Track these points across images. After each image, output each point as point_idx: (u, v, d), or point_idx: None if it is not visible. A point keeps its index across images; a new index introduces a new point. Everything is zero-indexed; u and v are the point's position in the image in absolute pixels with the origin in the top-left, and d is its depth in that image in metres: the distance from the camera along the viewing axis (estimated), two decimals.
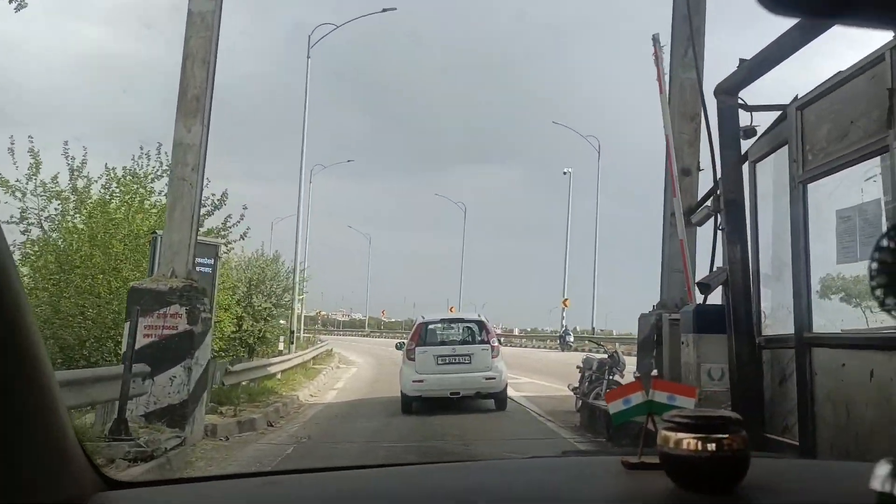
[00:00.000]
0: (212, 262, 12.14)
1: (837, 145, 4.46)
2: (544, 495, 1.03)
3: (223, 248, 16.97)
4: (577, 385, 11.78)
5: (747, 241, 5.69)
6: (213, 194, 16.03)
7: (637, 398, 1.19)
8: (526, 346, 48.23)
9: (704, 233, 8.40)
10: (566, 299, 45.81)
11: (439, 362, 12.08)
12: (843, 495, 1.00)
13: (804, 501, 1.00)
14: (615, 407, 1.23)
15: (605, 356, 11.32)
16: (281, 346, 21.40)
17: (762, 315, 5.73)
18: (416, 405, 12.03)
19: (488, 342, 12.62)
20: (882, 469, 0.58)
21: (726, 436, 0.92)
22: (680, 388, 1.23)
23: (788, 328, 5.16)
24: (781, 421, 5.25)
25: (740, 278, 5.61)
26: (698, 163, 9.22)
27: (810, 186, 4.82)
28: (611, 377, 10.79)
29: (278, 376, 16.72)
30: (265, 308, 26.27)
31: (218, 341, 17.31)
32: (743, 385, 5.53)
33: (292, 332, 24.83)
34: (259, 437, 9.98)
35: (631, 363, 10.74)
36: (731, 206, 5.69)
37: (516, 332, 66.77)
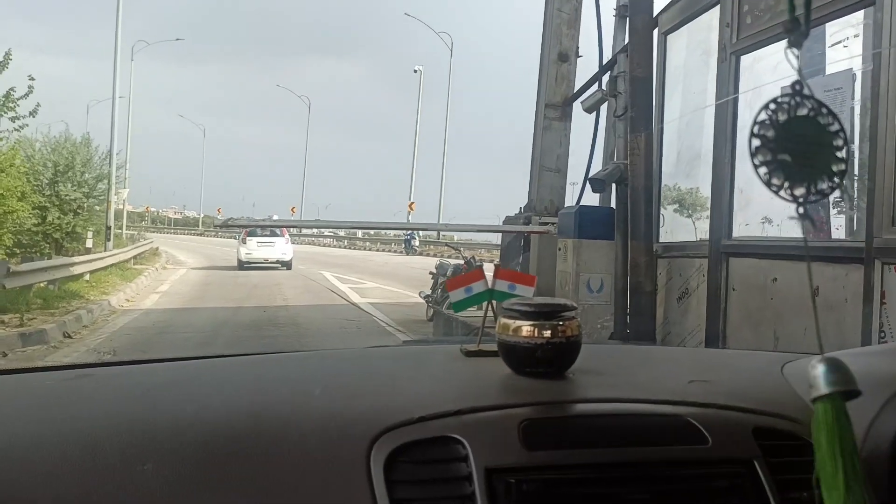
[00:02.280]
0: None
1: None
2: (382, 381, 1.03)
3: (10, 125, 13.97)
4: (429, 292, 10.92)
5: (653, 128, 4.75)
6: None
7: (478, 286, 1.21)
8: (370, 250, 47.52)
9: (582, 124, 7.51)
10: (412, 202, 45.13)
11: (258, 245, 23.49)
12: (662, 376, 1.08)
13: (624, 381, 1.03)
14: (456, 295, 1.22)
15: (462, 262, 10.45)
16: (90, 243, 18.62)
17: (661, 219, 4.91)
18: (245, 268, 22.61)
19: (283, 236, 24.35)
20: (815, 370, 0.52)
21: (560, 322, 0.94)
22: (520, 276, 1.22)
23: (691, 235, 4.38)
24: (678, 342, 4.54)
25: (642, 174, 4.69)
26: (577, 47, 8.20)
27: (746, 59, 3.88)
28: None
29: (87, 277, 14.38)
30: (75, 199, 23.09)
31: (10, 235, 14.66)
32: (636, 299, 4.73)
33: (108, 228, 21.89)
34: (49, 352, 8.23)
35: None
36: (638, 85, 4.70)
37: (360, 234, 66.04)
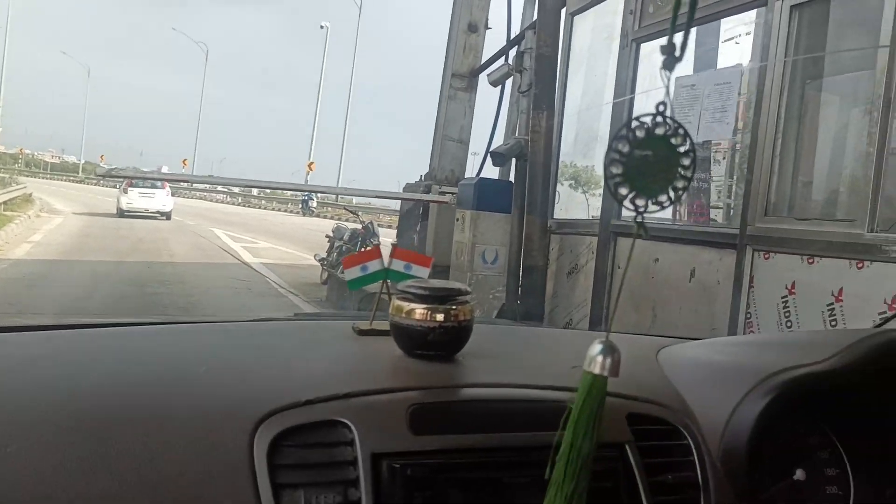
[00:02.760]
0: None
1: None
2: (271, 360, 0.99)
3: None
4: (324, 255, 10.77)
5: (555, 106, 4.85)
6: None
7: (374, 265, 1.19)
8: (266, 209, 46.20)
9: (488, 96, 7.56)
10: (312, 162, 44.16)
11: (139, 195, 24.38)
12: (548, 361, 1.11)
13: (512, 365, 1.05)
14: (351, 273, 1.20)
15: (360, 227, 10.36)
16: None
17: (556, 196, 5.05)
18: (125, 216, 23.39)
19: (164, 189, 25.29)
20: (593, 348, 0.58)
21: (454, 307, 0.95)
22: (417, 256, 1.22)
23: (583, 212, 4.54)
24: (565, 316, 4.71)
25: (542, 151, 4.80)
26: (487, 19, 8.22)
27: (646, 46, 4.02)
28: (363, 250, 9.90)
29: None
30: None
31: None
32: (528, 272, 4.86)
33: None
34: None
35: (389, 236, 9.96)
36: (543, 63, 4.77)
37: (255, 192, 64.01)
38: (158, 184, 24.49)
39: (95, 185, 65.34)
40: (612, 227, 4.15)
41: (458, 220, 6.28)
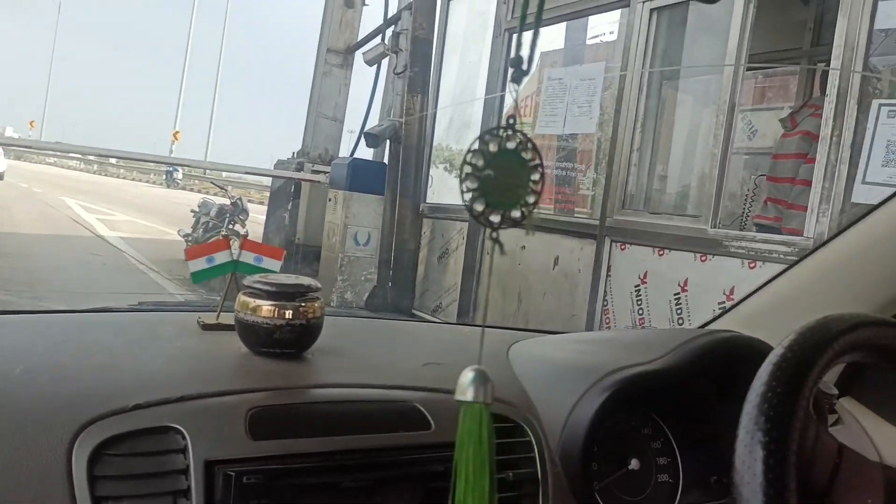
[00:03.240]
0: None
1: None
2: (102, 358, 0.90)
3: None
4: (189, 231, 10.23)
5: (429, 90, 4.85)
6: None
7: (222, 257, 1.13)
8: (125, 178, 43.30)
9: (364, 75, 7.44)
10: (177, 131, 41.77)
11: None
12: (400, 358, 1.09)
13: (363, 363, 1.02)
14: (196, 265, 1.12)
15: (228, 202, 9.92)
16: None
17: (430, 180, 5.07)
18: None
19: None
20: (465, 377, 0.55)
21: (303, 304, 0.93)
22: (268, 249, 1.16)
23: (455, 198, 4.59)
24: (435, 300, 4.76)
25: (416, 133, 4.79)
26: None
27: (526, 54, 4.10)
28: (231, 226, 9.51)
29: None
30: None
31: None
32: (401, 255, 4.87)
33: None
34: None
35: (258, 213, 9.63)
36: (418, 45, 4.74)
37: (113, 160, 59.82)
38: None
39: None
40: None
41: (330, 200, 6.17)
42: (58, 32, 52.15)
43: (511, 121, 0.53)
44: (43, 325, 1.08)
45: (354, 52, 7.88)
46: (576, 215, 4.37)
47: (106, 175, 44.79)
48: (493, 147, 0.53)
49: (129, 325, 1.14)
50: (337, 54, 8.01)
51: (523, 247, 3.93)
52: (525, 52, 0.52)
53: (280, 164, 8.04)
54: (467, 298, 4.25)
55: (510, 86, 0.51)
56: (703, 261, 3.01)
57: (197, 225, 10.20)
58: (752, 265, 2.86)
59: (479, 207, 0.51)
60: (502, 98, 4.09)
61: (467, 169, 0.52)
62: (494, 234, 0.52)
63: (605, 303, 3.42)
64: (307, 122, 8.15)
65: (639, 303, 3.27)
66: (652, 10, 3.37)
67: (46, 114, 53.81)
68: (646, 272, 3.26)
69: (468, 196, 0.51)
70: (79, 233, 12.85)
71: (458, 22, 4.96)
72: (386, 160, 5.96)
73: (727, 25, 3.09)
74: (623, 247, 3.41)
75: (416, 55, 4.79)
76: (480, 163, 0.52)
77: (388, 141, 5.41)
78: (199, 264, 1.13)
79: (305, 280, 0.98)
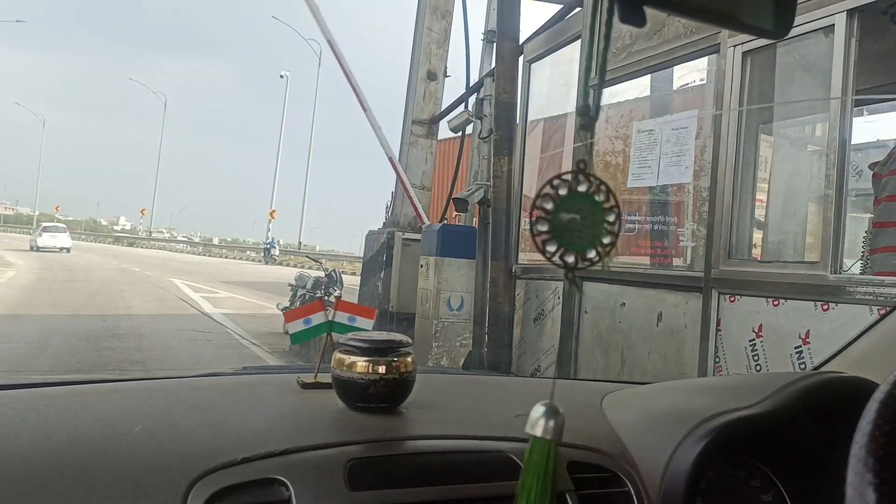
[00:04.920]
0: None
1: (647, 42, 3.71)
2: (211, 417, 0.97)
3: None
4: (287, 304, 10.56)
5: (515, 152, 4.87)
6: None
7: (318, 318, 1.19)
8: (227, 258, 45.59)
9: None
10: (273, 210, 43.88)
11: (50, 236, 34.40)
12: (490, 410, 1.11)
13: (455, 415, 1.04)
14: (294, 326, 1.20)
15: (322, 274, 10.20)
16: None
17: (520, 240, 5.03)
18: (38, 250, 31.96)
19: (66, 232, 35.84)
20: (535, 411, 0.57)
21: (395, 359, 0.96)
22: (361, 309, 1.22)
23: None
24: (533, 362, 4.64)
25: (504, 196, 4.79)
26: (446, 67, 8.32)
27: (604, 92, 4.07)
28: (327, 297, 9.74)
29: None
30: None
31: None
32: (495, 318, 4.80)
33: None
34: None
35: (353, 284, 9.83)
36: (503, 109, 4.79)
37: (216, 241, 63.30)
38: (62, 227, 37.85)
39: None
40: (577, 272, 4.11)
41: (422, 266, 6.21)
42: (164, 127, 56.55)
43: (582, 165, 0.54)
44: (158, 389, 1.17)
45: (438, 121, 8.08)
46: (674, 268, 4.20)
47: (210, 255, 47.31)
48: (562, 191, 0.54)
49: (235, 387, 1.21)
50: (422, 125, 8.23)
51: (623, 304, 3.79)
52: (591, 102, 0.54)
53: (371, 235, 8.22)
54: (567, 359, 4.11)
55: (580, 134, 0.53)
56: (824, 310, 2.79)
57: (294, 298, 10.52)
58: (881, 311, 2.62)
59: (551, 248, 0.53)
60: (591, 150, 4.03)
61: (538, 213, 0.53)
62: (570, 276, 0.53)
63: (718, 359, 3.21)
64: (395, 192, 8.35)
65: (755, 358, 3.05)
66: (745, 54, 3.27)
67: (155, 201, 57.89)
68: (760, 325, 3.05)
69: (540, 239, 0.53)
70: (186, 311, 13.51)
71: (540, 83, 5.00)
72: (475, 224, 5.98)
73: (824, 64, 2.95)
74: (732, 299, 3.22)
75: (500, 119, 4.84)
76: (550, 206, 0.53)
77: (476, 204, 5.44)
78: (297, 326, 1.20)
79: (397, 336, 1.02)
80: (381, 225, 8.27)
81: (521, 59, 4.99)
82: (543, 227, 0.53)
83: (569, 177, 0.54)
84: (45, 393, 1.10)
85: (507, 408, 1.12)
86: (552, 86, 5.00)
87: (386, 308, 7.32)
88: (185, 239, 63.72)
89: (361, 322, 1.19)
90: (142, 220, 64.38)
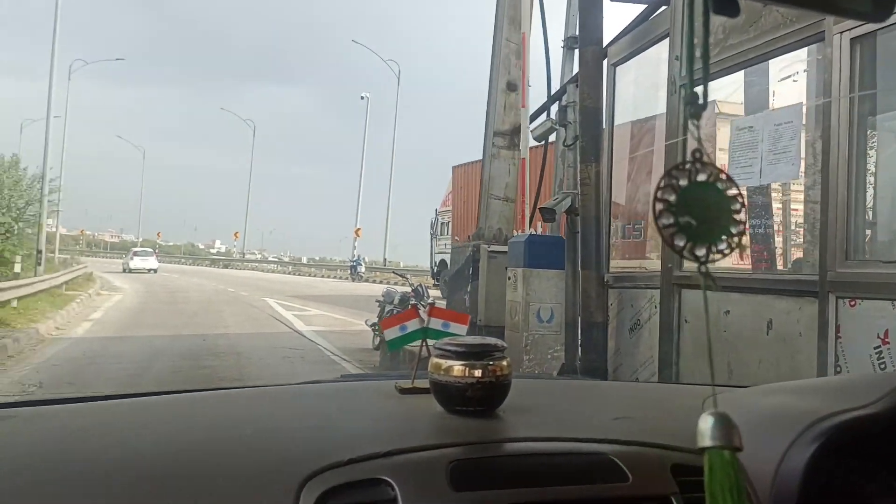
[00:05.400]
0: None
1: (742, 36, 3.52)
2: (315, 421, 1.02)
3: None
4: (375, 320, 10.69)
5: (603, 157, 4.73)
6: None
7: (413, 325, 1.21)
8: (315, 276, 46.80)
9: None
10: (359, 228, 44.80)
11: (140, 259, 39.65)
12: (589, 413, 1.12)
13: (552, 418, 1.05)
14: (391, 333, 1.23)
15: (409, 290, 10.28)
16: (17, 268, 17.69)
17: (611, 249, 4.87)
18: (130, 272, 36.82)
19: (154, 255, 41.92)
20: (705, 422, 0.54)
21: (490, 362, 0.97)
22: (454, 314, 1.24)
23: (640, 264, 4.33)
24: (630, 374, 4.46)
25: (593, 204, 4.65)
26: (526, 77, 8.24)
27: (700, 90, 3.88)
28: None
29: (14, 304, 13.61)
30: (3, 223, 22.08)
31: None
32: (589, 330, 4.65)
33: (39, 252, 20.92)
34: None
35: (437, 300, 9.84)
36: (588, 115, 4.67)
37: (304, 260, 65.16)
38: (150, 251, 43.34)
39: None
40: (675, 279, 3.93)
41: (509, 278, 6.13)
42: (253, 152, 58.92)
43: (698, 154, 0.51)
44: (263, 396, 1.24)
45: (519, 133, 8.00)
46: (782, 272, 3.94)
47: (299, 274, 48.74)
48: (682, 181, 0.52)
49: (336, 393, 1.27)
50: (503, 136, 8.18)
51: (727, 311, 3.58)
52: (699, 89, 0.52)
53: (456, 249, 8.21)
54: (668, 371, 3.92)
55: (691, 123, 0.51)
56: None
57: (382, 313, 10.63)
58: None
59: (679, 243, 0.51)
60: (684, 151, 3.85)
61: (660, 206, 0.51)
62: (703, 269, 0.51)
63: (838, 369, 2.97)
64: (480, 205, 8.31)
65: (882, 366, 2.79)
66: (853, 41, 3.03)
67: (247, 224, 60.29)
68: (886, 331, 2.80)
69: (667, 233, 0.51)
70: (279, 329, 13.91)
71: (625, 86, 4.85)
72: (562, 233, 5.86)
73: None
74: (853, 303, 2.97)
75: (585, 125, 4.72)
76: (672, 198, 0.51)
77: (564, 213, 5.32)
78: (393, 333, 1.23)
79: (492, 340, 1.03)
80: (465, 238, 8.24)
81: (604, 62, 4.87)
82: (668, 220, 0.51)
83: (687, 166, 0.52)
84: (161, 401, 1.18)
85: (605, 411, 1.13)
86: (638, 88, 4.84)
87: (473, 322, 7.28)
88: (276, 259, 65.95)
89: (455, 328, 1.21)
90: (235, 242, 67.17)
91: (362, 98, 45.44)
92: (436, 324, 1.22)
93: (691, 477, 0.84)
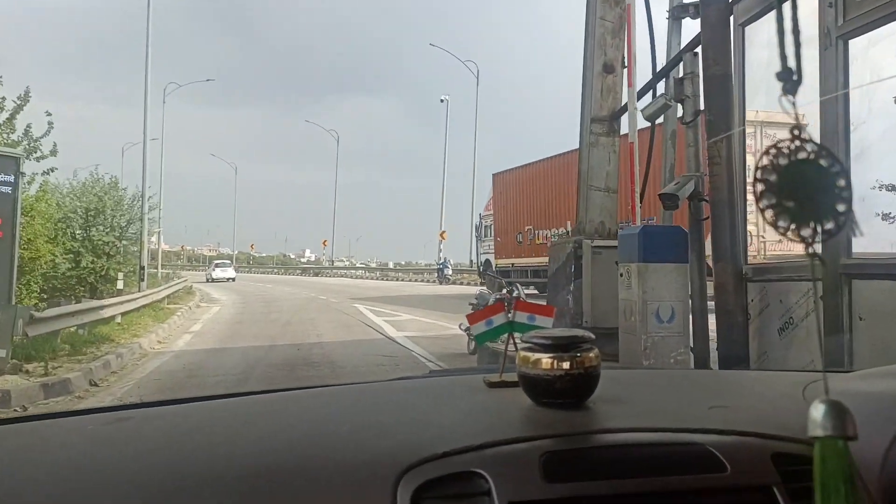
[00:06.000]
0: (11, 178, 9.37)
1: None
2: (408, 415, 1.05)
3: (37, 167, 13.77)
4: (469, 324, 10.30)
5: (735, 132, 4.10)
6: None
7: (499, 319, 1.24)
8: (402, 280, 47.13)
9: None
10: (443, 231, 44.75)
11: (220, 270, 47.55)
12: (682, 402, 1.11)
13: (644, 408, 1.05)
14: (477, 328, 1.25)
15: (504, 291, 9.81)
16: (120, 285, 18.40)
17: (748, 237, 4.22)
18: (213, 282, 42.84)
19: (232, 266, 51.59)
20: (817, 411, 0.53)
21: (578, 354, 0.98)
22: (539, 307, 1.25)
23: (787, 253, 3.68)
24: None
25: (725, 185, 4.03)
26: (624, 57, 7.60)
27: (854, 43, 3.22)
28: (510, 315, 9.33)
29: (118, 320, 14.05)
30: (107, 242, 23.16)
31: (40, 280, 14.45)
32: (725, 330, 4.03)
33: (142, 269, 21.77)
34: (73, 403, 7.76)
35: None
36: (715, 85, 4.05)
37: (391, 265, 65.92)
38: (228, 262, 50.89)
39: (247, 272, 69.87)
40: (842, 268, 3.26)
41: (621, 275, 5.54)
42: (338, 162, 59.97)
43: (796, 131, 0.50)
44: (356, 392, 1.28)
45: (619, 117, 7.38)
46: None
47: (386, 279, 49.21)
48: (782, 161, 0.51)
49: (425, 389, 1.28)
50: (602, 122, 7.58)
51: None
52: (792, 63, 0.51)
53: (555, 245, 7.66)
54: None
55: (785, 100, 0.50)
56: None
57: None
58: None
59: (783, 224, 0.50)
60: (847, 109, 3.20)
61: (760, 186, 0.50)
62: (810, 250, 0.50)
63: None
64: (579, 197, 7.74)
65: None
66: None
67: (335, 232, 61.50)
68: None
69: (769, 213, 0.50)
70: (371, 336, 13.73)
71: (757, 48, 4.19)
72: (678, 223, 5.22)
73: None
74: None
75: (712, 96, 4.10)
76: (773, 178, 0.51)
77: (686, 200, 4.70)
78: (480, 327, 1.24)
79: (579, 332, 1.02)
80: (563, 234, 7.69)
81: (731, 23, 4.23)
82: (771, 200, 0.50)
83: (785, 144, 0.51)
84: (260, 399, 1.24)
85: (700, 400, 1.12)
86: (773, 48, 4.20)
87: (578, 324, 6.71)
88: (363, 265, 67.02)
89: (541, 321, 1.21)
90: (324, 250, 68.71)
91: (442, 101, 45.29)
92: (521, 317, 1.22)
93: (793, 466, 0.83)
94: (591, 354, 0.97)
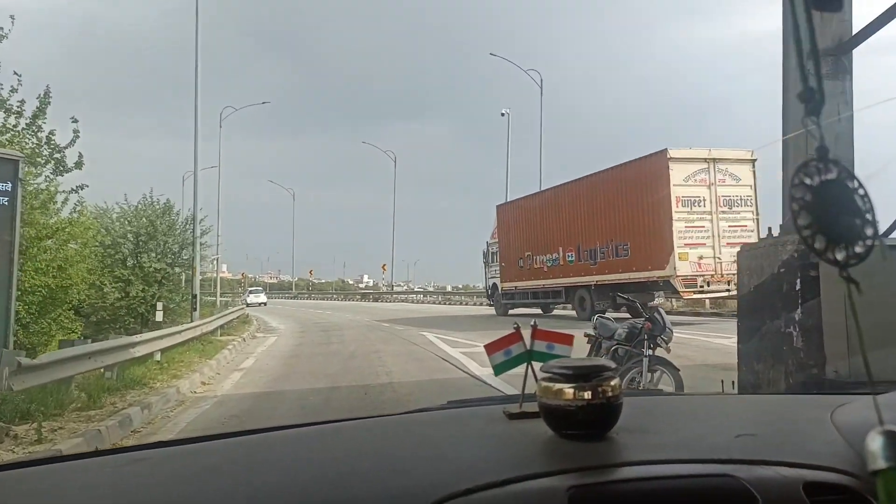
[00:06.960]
0: (8, 185, 7.52)
1: None
2: (429, 450, 1.05)
3: (59, 179, 11.98)
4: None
5: None
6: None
7: (517, 348, 1.21)
8: (461, 304, 44.89)
9: None
10: None
11: (254, 296, 53.35)
12: (708, 431, 1.09)
13: (669, 438, 1.02)
14: (495, 359, 1.23)
15: (637, 320, 7.29)
16: (159, 316, 16.45)
17: None
18: (248, 306, 40.94)
19: (264, 291, 64.73)
20: (874, 443, 0.52)
21: (599, 384, 0.96)
22: (558, 336, 1.21)
23: None
24: None
25: None
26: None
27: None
28: (651, 350, 6.80)
29: (157, 357, 12.06)
30: (158, 269, 21.54)
31: (99, 310, 12.78)
32: None
33: (194, 297, 20.00)
34: None
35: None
36: None
37: (449, 288, 63.80)
38: (260, 289, 60.31)
39: (306, 298, 68.82)
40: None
41: None
42: (395, 183, 58.41)
43: (822, 152, 0.50)
44: (376, 427, 1.29)
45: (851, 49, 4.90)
46: None
47: (448, 303, 46.96)
48: (812, 180, 0.50)
49: (444, 421, 1.32)
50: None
51: None
52: (813, 83, 0.50)
53: (753, 250, 5.17)
54: None
55: (808, 121, 0.49)
56: None
57: (597, 350, 7.71)
58: None
59: (819, 245, 0.49)
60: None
61: (795, 206, 0.50)
62: (845, 273, 0.49)
63: None
64: (784, 191, 5.25)
65: None
66: None
67: (394, 256, 59.78)
68: None
69: (806, 233, 0.49)
70: (449, 373, 11.34)
71: None
72: None
73: None
74: None
75: None
76: (808, 197, 0.50)
77: None
78: (498, 357, 1.24)
79: (598, 361, 1.06)
80: (765, 233, 5.20)
81: None
82: (807, 220, 0.49)
83: (812, 164, 0.50)
84: (278, 437, 1.23)
85: (725, 428, 1.09)
86: None
87: (819, 374, 4.19)
88: (421, 289, 65.00)
89: (560, 349, 1.19)
90: (383, 275, 67.05)
91: (503, 115, 42.93)
92: (540, 346, 1.20)
93: (826, 496, 0.80)
94: (613, 383, 0.96)
